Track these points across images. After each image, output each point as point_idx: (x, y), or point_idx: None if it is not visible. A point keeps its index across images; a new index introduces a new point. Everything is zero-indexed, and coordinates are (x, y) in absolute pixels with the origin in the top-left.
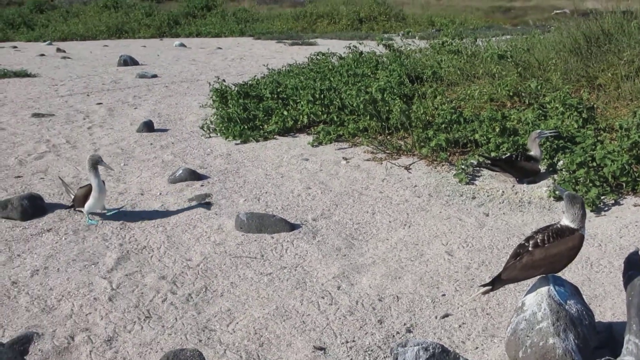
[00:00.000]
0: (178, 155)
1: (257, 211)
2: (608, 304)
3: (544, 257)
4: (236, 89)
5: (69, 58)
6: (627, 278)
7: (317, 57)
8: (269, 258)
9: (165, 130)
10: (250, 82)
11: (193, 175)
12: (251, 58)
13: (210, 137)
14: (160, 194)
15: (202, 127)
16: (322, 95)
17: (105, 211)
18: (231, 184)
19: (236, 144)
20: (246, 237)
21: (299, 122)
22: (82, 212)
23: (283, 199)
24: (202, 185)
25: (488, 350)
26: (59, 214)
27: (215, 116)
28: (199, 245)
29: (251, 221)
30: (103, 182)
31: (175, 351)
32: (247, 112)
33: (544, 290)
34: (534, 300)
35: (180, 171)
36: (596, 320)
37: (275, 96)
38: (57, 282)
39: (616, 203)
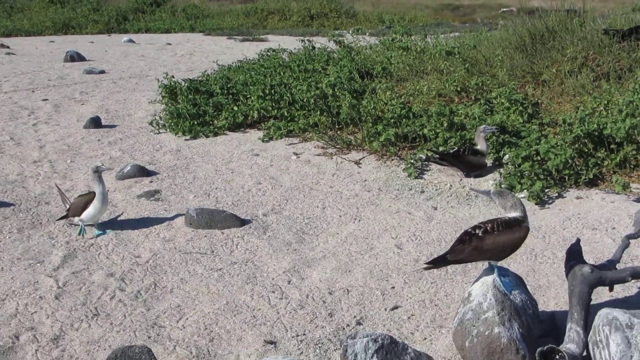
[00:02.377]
0: (126, 152)
1: (207, 207)
2: (551, 294)
3: (493, 243)
4: (186, 84)
5: (13, 54)
6: (569, 268)
7: (268, 53)
8: (219, 254)
9: (113, 127)
10: (200, 77)
11: (142, 172)
12: (201, 54)
13: (159, 133)
14: (108, 191)
15: (151, 123)
16: (272, 91)
17: (96, 226)
18: (181, 179)
19: (186, 140)
20: (196, 233)
21: (249, 118)
22: (75, 223)
23: (233, 194)
24: (151, 182)
25: (436, 341)
26: (2, 212)
27: (165, 112)
28: (148, 242)
29: (201, 217)
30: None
31: (124, 348)
32: (196, 108)
33: (489, 280)
34: (480, 291)
35: (129, 167)
36: (540, 310)
37: (226, 92)
38: (1, 282)
39: (559, 196)
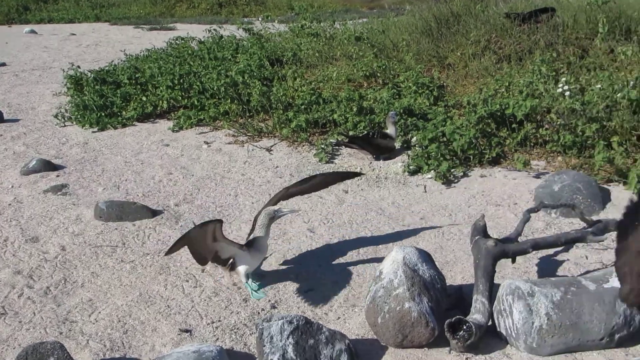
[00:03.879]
0: (31, 146)
1: (118, 199)
2: (458, 269)
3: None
4: (92, 75)
5: None
6: (474, 243)
7: (176, 41)
8: (131, 245)
9: (16, 121)
10: (107, 68)
11: (48, 166)
12: (107, 44)
13: (65, 125)
14: (12, 186)
15: (56, 116)
16: (181, 80)
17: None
18: (89, 172)
19: (93, 132)
20: (106, 225)
21: (158, 108)
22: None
23: (144, 185)
24: (57, 176)
25: (349, 320)
26: None
27: (71, 104)
28: (57, 237)
29: (111, 209)
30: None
31: (35, 345)
32: (104, 99)
33: (399, 258)
34: (390, 269)
35: (34, 162)
36: (448, 284)
37: (134, 82)
38: None
39: (465, 175)
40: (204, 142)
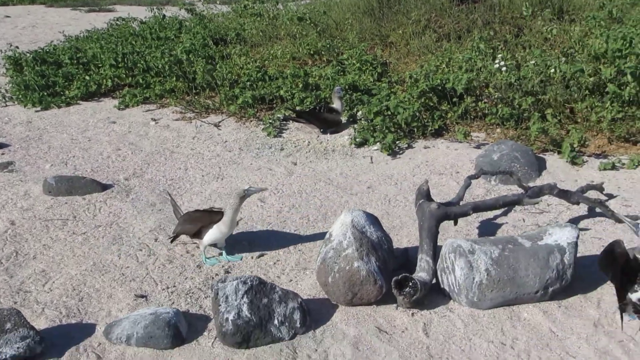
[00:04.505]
0: None
1: (66, 175)
2: (404, 233)
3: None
4: (31, 55)
5: None
6: (419, 206)
7: (117, 22)
8: (82, 218)
9: None
10: (46, 48)
11: None
12: (45, 26)
13: (6, 105)
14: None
15: None
16: (125, 59)
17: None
18: (35, 150)
19: (37, 111)
20: (56, 200)
21: (103, 87)
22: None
23: (92, 161)
24: (2, 154)
25: (301, 281)
26: None
27: (11, 84)
28: (5, 212)
29: (60, 184)
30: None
31: None
32: (45, 79)
33: (348, 220)
34: (339, 231)
35: None
36: (394, 247)
37: (75, 62)
38: None
39: (409, 146)
40: (151, 119)
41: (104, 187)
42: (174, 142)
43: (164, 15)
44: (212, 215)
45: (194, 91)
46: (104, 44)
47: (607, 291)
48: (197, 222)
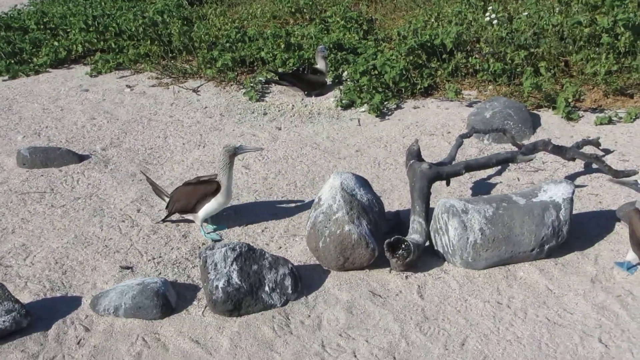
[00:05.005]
0: None
1: (40, 146)
2: (395, 196)
3: (185, 191)
4: None
5: None
6: (410, 167)
7: None
8: (60, 191)
9: None
10: (10, 13)
11: None
12: None
13: None
14: None
15: None
16: (96, 22)
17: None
18: (5, 121)
19: (4, 81)
20: (31, 172)
21: (73, 52)
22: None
23: (67, 131)
24: None
25: (291, 248)
26: None
27: None
28: None
29: (35, 156)
30: None
31: None
32: (11, 46)
33: (337, 184)
34: (329, 194)
35: None
36: (385, 210)
37: (42, 27)
38: None
39: (398, 107)
40: (126, 85)
41: (81, 158)
42: (151, 110)
43: None
44: (206, 187)
45: (170, 55)
46: (72, 6)
47: (604, 247)
48: (192, 197)
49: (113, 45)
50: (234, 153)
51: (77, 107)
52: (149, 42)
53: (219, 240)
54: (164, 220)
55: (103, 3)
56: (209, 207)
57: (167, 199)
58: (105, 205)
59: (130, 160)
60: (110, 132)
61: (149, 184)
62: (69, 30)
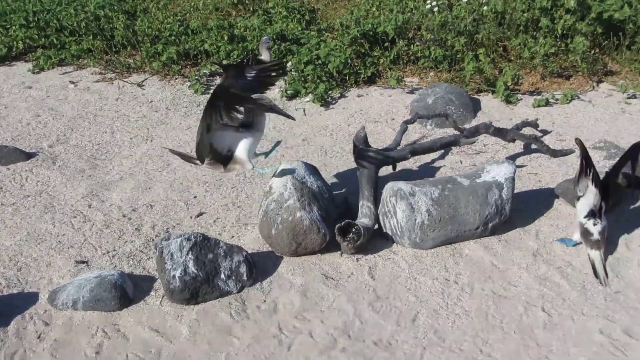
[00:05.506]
0: None
1: None
2: (344, 183)
3: None
4: None
5: None
6: (358, 153)
7: None
8: (9, 189)
9: None
10: None
11: None
12: None
13: None
14: None
15: None
16: (36, 18)
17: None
18: None
19: None
20: None
21: (13, 49)
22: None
23: (12, 129)
24: None
25: (243, 237)
26: None
27: None
28: None
29: None
30: None
31: None
32: None
33: (272, 170)
34: (280, 183)
35: None
36: (334, 196)
37: None
38: None
39: (342, 96)
40: (70, 81)
41: (28, 156)
42: (97, 105)
43: None
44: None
45: (113, 50)
46: (10, 1)
47: (544, 223)
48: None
49: (55, 41)
50: (269, 107)
51: (21, 105)
52: (91, 37)
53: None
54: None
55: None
56: (245, 145)
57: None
58: (55, 202)
59: (78, 156)
60: (56, 129)
61: (175, 154)
62: (8, 26)
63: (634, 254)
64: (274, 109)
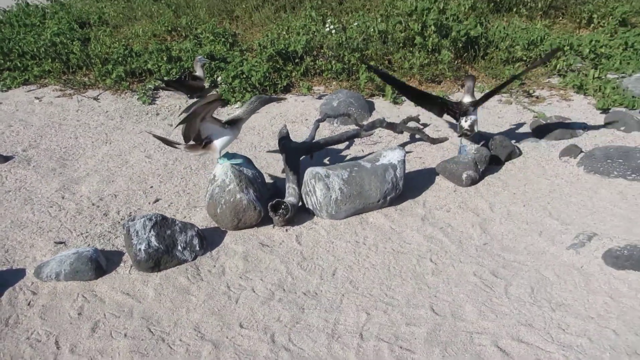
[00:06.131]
0: None
1: None
2: (272, 170)
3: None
4: None
5: None
6: (282, 145)
7: None
8: None
9: None
10: None
11: None
12: None
13: None
14: None
15: None
16: (0, 45)
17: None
18: None
19: None
20: None
21: None
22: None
23: None
24: None
25: (194, 217)
26: None
27: None
28: None
29: None
30: None
31: None
32: None
33: (227, 163)
34: (222, 171)
35: None
36: (266, 182)
37: None
38: None
39: None
40: (35, 97)
41: (6, 159)
42: (60, 116)
43: (27, 3)
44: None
45: (70, 70)
46: None
47: (429, 195)
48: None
49: (18, 64)
50: (267, 100)
51: None
52: (50, 60)
53: (239, 164)
54: (187, 145)
55: (4, 29)
56: (224, 139)
57: (180, 144)
58: (33, 195)
59: (49, 157)
60: (27, 137)
61: (158, 139)
62: None
63: (496, 215)
64: (271, 99)
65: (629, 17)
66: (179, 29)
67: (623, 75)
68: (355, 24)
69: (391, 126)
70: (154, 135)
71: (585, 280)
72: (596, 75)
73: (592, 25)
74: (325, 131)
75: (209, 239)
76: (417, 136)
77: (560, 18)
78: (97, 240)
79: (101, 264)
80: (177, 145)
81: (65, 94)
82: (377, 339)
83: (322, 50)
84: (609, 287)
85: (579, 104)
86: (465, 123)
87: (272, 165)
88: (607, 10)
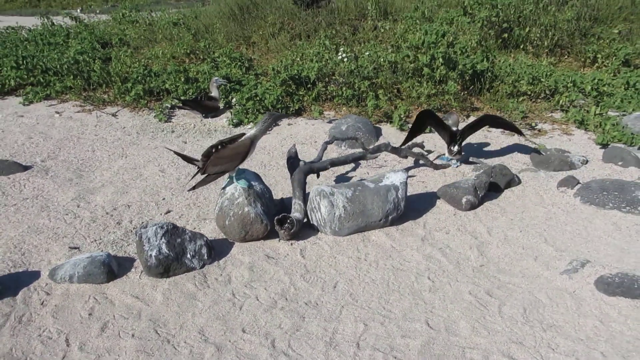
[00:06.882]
0: None
1: None
2: (279, 188)
3: (224, 154)
4: None
5: None
6: (290, 164)
7: (7, 30)
8: (11, 193)
9: None
10: None
11: None
12: None
13: None
14: None
15: None
16: (25, 61)
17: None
18: None
19: None
20: None
21: (6, 86)
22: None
23: (9, 148)
24: None
25: (203, 228)
26: None
27: None
28: None
29: None
30: None
31: None
32: None
33: (244, 185)
34: (231, 186)
35: None
36: (274, 198)
37: None
38: None
39: (276, 124)
40: (55, 112)
41: (25, 168)
42: (79, 130)
43: (53, 23)
44: (244, 147)
45: (90, 87)
46: (1, 49)
47: (429, 217)
48: (237, 157)
49: (41, 80)
50: (279, 116)
51: (15, 130)
52: (71, 77)
53: (250, 187)
54: (194, 188)
55: (29, 47)
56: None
57: (199, 164)
58: (50, 203)
59: (66, 168)
60: (46, 148)
61: (177, 155)
62: (1, 68)
63: (494, 239)
64: (282, 115)
65: (632, 58)
66: (197, 52)
67: (624, 113)
68: (367, 53)
69: (396, 150)
70: (175, 152)
71: (576, 304)
72: (597, 112)
73: (596, 64)
74: (333, 153)
75: (217, 249)
76: (421, 161)
77: (566, 56)
78: (109, 246)
79: (113, 268)
80: (196, 162)
81: (85, 110)
82: (373, 348)
83: (334, 77)
84: (599, 311)
85: (579, 138)
86: (455, 147)
87: (280, 183)
88: (611, 51)
